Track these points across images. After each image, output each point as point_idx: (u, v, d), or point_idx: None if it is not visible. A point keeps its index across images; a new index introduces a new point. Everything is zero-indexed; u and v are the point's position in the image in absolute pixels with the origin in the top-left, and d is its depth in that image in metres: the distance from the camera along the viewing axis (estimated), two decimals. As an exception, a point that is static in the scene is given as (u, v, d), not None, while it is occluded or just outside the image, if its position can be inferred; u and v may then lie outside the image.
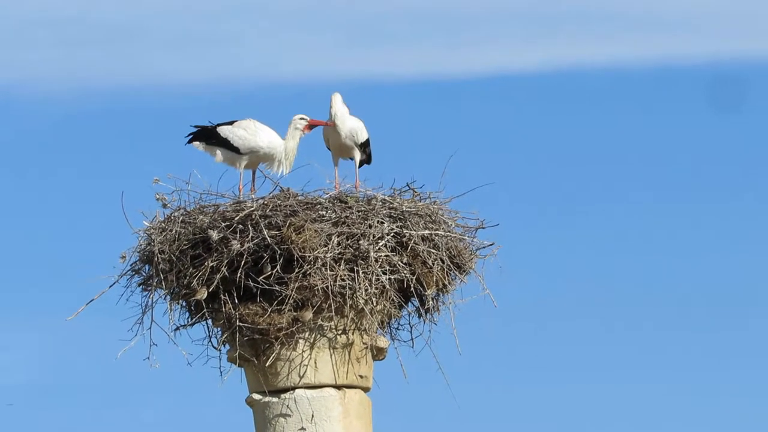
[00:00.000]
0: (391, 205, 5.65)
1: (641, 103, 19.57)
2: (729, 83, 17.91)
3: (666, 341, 16.30)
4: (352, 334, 5.55)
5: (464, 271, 5.80)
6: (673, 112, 19.20)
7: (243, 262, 5.37)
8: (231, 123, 5.95)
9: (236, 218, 5.47)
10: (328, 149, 6.11)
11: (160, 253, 5.50)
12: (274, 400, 5.50)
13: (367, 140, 6.15)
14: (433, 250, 5.61)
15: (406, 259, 5.55)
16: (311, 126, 6.01)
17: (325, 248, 5.39)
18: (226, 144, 5.93)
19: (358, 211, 5.61)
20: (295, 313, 5.39)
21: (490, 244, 5.86)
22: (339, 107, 6.03)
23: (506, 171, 15.43)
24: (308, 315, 5.42)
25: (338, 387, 5.54)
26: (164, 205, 5.64)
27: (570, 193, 17.68)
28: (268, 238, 5.37)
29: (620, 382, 15.37)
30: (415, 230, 5.58)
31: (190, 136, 6.00)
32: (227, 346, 5.60)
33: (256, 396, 5.56)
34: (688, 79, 19.19)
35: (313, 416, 5.44)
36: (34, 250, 15.86)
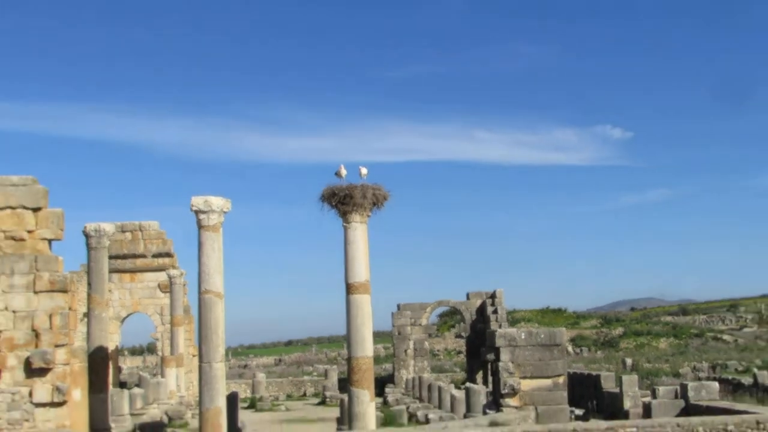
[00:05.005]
0: (373, 185, 26.28)
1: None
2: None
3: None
4: (363, 213, 26.09)
5: (386, 199, 26.60)
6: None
7: (343, 195, 26.06)
8: (341, 165, 26.70)
9: (345, 186, 26.14)
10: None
11: (327, 191, 26.30)
12: (349, 225, 25.89)
13: (366, 172, 26.88)
14: (381, 193, 26.35)
15: (375, 195, 26.38)
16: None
17: (360, 192, 26.10)
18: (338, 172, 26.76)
19: (366, 186, 26.16)
20: (354, 207, 26.01)
21: (390, 192, 26.80)
22: (356, 171, 26.68)
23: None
24: (356, 207, 26.29)
25: (361, 222, 26.28)
26: (338, 176, 26.42)
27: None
28: (349, 191, 26.18)
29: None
30: (376, 190, 26.27)
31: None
32: (339, 216, 26.18)
33: (345, 224, 26.00)
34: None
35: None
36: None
